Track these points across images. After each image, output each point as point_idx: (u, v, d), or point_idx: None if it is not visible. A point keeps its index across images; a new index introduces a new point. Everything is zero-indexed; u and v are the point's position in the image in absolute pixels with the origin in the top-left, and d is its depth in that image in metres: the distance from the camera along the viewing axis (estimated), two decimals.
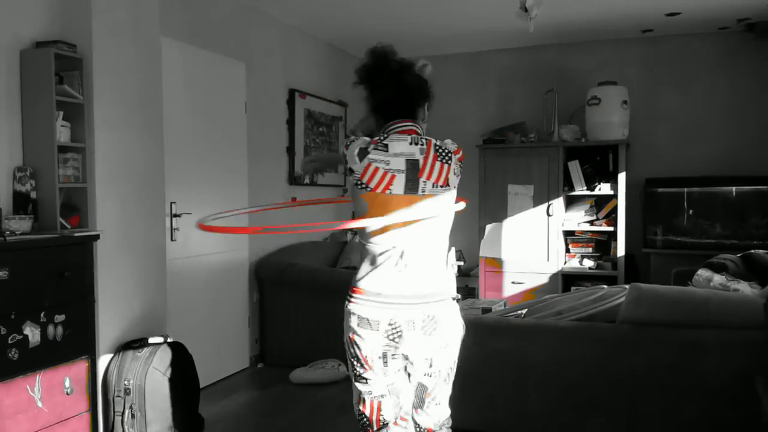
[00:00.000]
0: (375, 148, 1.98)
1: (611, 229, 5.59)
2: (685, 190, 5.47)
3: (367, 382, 2.04)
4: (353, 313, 2.01)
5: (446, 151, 2.02)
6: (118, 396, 3.27)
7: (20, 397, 2.70)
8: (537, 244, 5.74)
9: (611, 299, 3.21)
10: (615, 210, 5.57)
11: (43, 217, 3.07)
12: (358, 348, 2.01)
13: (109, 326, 3.34)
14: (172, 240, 4.10)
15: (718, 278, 3.35)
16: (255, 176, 4.99)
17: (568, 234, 5.78)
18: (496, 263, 5.86)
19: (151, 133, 3.63)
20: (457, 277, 6.40)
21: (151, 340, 3.42)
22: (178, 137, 4.14)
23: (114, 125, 3.37)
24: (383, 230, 1.97)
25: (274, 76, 5.28)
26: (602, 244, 5.74)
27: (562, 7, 4.96)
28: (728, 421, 2.76)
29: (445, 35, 5.92)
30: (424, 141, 2.02)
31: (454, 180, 2.03)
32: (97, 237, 3.15)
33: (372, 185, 1.95)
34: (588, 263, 5.67)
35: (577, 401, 2.96)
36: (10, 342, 2.65)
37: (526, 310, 3.55)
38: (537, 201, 5.74)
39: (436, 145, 2.03)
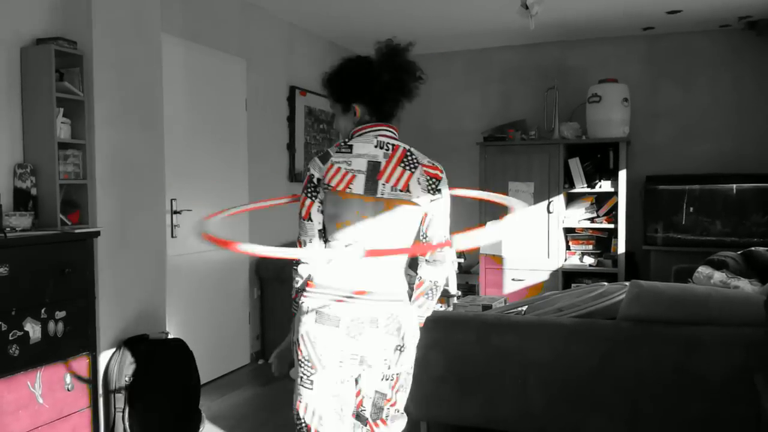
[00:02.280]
0: (338, 151, 1.94)
1: (612, 226, 5.59)
2: (686, 187, 5.47)
3: (312, 387, 1.94)
4: (309, 309, 1.90)
5: (414, 160, 1.94)
6: (119, 392, 3.28)
7: (21, 393, 2.71)
8: (537, 241, 5.74)
9: (612, 296, 3.21)
10: (615, 207, 5.57)
11: (43, 214, 3.07)
12: (313, 346, 1.89)
13: (109, 322, 3.35)
14: (172, 237, 4.10)
15: (718, 275, 3.35)
16: (255, 173, 4.99)
17: (569, 231, 5.78)
18: (497, 260, 5.87)
19: (151, 129, 3.63)
20: (457, 274, 6.35)
21: (151, 337, 3.43)
22: (178, 134, 4.14)
23: (114, 122, 3.37)
24: (345, 224, 1.91)
25: (274, 73, 5.28)
26: (603, 242, 5.74)
27: (563, 4, 4.95)
28: (728, 418, 2.75)
29: (447, 33, 5.92)
30: (390, 146, 1.95)
31: (418, 191, 1.90)
32: (97, 234, 3.16)
33: (333, 184, 1.90)
34: (588, 260, 5.67)
35: (577, 398, 2.96)
36: (10, 338, 2.66)
37: (526, 307, 3.55)
38: (537, 198, 5.74)
39: (408, 151, 1.96)
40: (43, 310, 2.81)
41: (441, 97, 6.62)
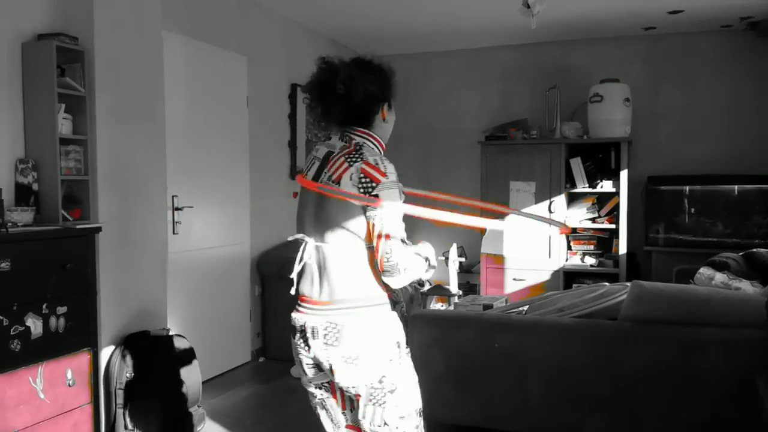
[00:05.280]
0: (322, 141, 2.06)
1: (613, 226, 5.59)
2: (687, 188, 5.47)
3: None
4: None
5: (358, 155, 1.87)
6: (120, 388, 3.27)
7: (22, 389, 2.71)
8: (539, 241, 5.74)
9: (613, 297, 3.21)
10: (617, 207, 5.56)
11: (44, 209, 3.07)
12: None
13: (110, 318, 3.35)
14: (173, 233, 4.10)
15: (719, 276, 3.35)
16: (256, 170, 4.98)
17: (570, 231, 5.78)
18: (498, 260, 5.86)
19: (152, 126, 3.63)
20: (458, 273, 6.34)
21: (152, 333, 3.43)
22: (179, 131, 4.14)
23: (115, 118, 3.37)
24: (302, 213, 2.05)
25: (276, 70, 5.27)
26: (604, 242, 5.73)
27: (564, 4, 4.95)
28: (729, 419, 2.75)
29: (448, 31, 5.91)
30: (349, 138, 1.97)
31: (348, 186, 1.82)
32: (98, 229, 3.15)
33: (304, 170, 2.03)
34: (589, 260, 5.67)
35: (577, 398, 2.96)
36: (12, 333, 2.66)
37: (527, 306, 3.55)
38: (539, 198, 5.74)
39: (358, 145, 1.92)
40: (44, 306, 2.81)
41: (442, 96, 6.62)
